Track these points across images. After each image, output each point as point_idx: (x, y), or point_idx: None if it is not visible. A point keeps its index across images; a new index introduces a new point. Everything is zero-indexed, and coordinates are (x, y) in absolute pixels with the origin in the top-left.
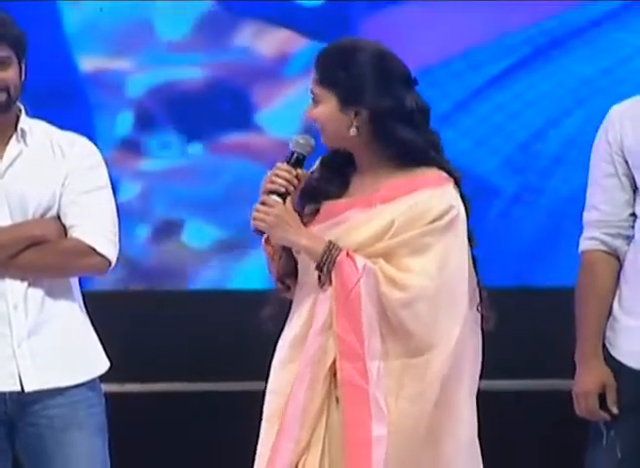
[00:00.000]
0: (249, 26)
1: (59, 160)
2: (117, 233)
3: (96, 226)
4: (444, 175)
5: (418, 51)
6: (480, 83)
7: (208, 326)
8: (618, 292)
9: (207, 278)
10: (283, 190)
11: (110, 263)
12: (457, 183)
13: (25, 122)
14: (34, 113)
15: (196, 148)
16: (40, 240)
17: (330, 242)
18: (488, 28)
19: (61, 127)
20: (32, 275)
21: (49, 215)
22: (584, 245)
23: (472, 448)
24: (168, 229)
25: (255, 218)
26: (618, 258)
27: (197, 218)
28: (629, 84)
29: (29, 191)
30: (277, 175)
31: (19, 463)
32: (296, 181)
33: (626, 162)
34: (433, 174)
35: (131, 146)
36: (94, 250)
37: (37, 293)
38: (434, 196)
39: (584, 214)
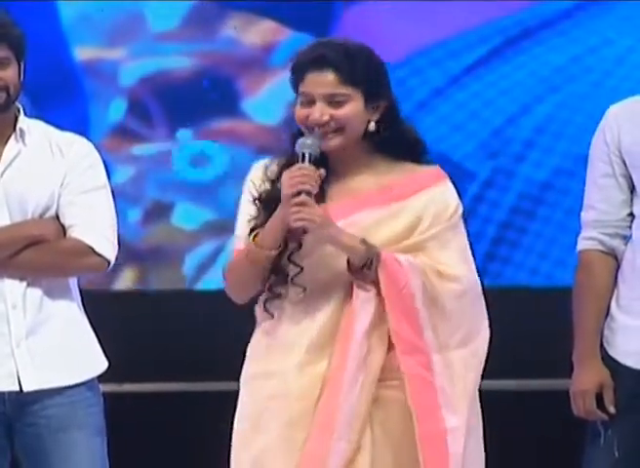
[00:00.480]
0: (235, 18)
1: (57, 160)
2: (116, 232)
3: (94, 226)
4: (441, 170)
5: (400, 39)
6: (457, 71)
7: (206, 325)
8: (615, 292)
9: (195, 258)
10: (315, 191)
11: (109, 263)
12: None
13: (24, 122)
14: (31, 102)
15: (185, 134)
16: (39, 239)
17: (363, 240)
18: (465, 19)
19: (58, 114)
20: (31, 275)
21: (48, 215)
22: (582, 245)
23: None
24: (159, 211)
25: (301, 219)
26: (615, 258)
27: (186, 201)
28: (598, 72)
29: (28, 191)
30: (306, 176)
31: (18, 463)
32: (319, 182)
33: (624, 162)
34: (433, 169)
35: (123, 132)
36: (92, 249)
37: (36, 293)
38: (445, 191)
39: (582, 213)
